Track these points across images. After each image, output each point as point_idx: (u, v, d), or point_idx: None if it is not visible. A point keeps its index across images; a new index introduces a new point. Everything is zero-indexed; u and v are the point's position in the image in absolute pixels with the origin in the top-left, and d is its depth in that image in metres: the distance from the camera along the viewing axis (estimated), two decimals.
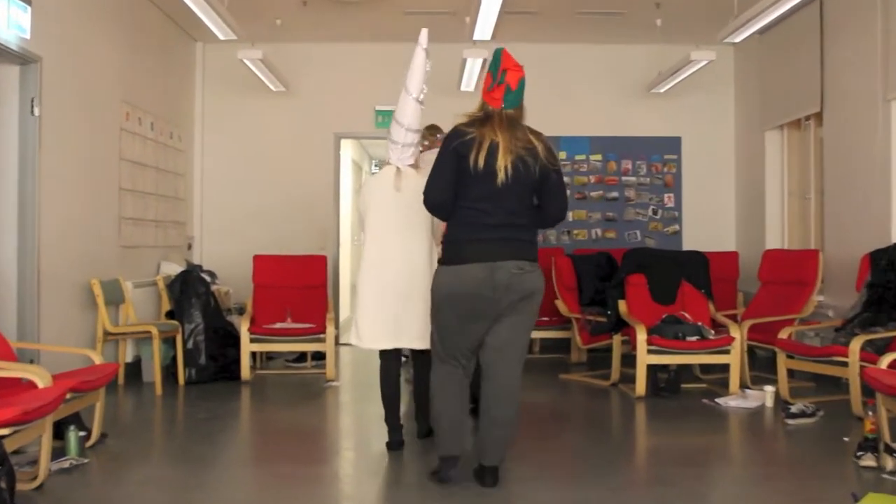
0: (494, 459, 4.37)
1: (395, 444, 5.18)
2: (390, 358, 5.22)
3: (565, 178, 9.83)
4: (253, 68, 8.73)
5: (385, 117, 10.04)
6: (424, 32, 5.10)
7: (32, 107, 6.15)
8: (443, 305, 4.33)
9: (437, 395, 4.45)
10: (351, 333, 5.37)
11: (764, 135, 9.26)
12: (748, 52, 9.56)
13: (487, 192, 4.22)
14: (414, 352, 5.24)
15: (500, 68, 4.37)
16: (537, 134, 4.40)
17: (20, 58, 6.01)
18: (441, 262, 4.40)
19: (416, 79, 5.11)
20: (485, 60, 8.22)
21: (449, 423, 4.41)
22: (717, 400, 6.67)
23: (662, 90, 9.59)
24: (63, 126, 6.62)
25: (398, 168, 5.11)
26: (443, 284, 4.32)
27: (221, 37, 7.93)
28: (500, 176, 4.19)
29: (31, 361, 5.86)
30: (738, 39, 7.88)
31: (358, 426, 6.35)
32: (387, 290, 5.00)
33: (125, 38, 7.87)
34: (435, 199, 4.32)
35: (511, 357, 4.34)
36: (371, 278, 5.05)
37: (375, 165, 17.34)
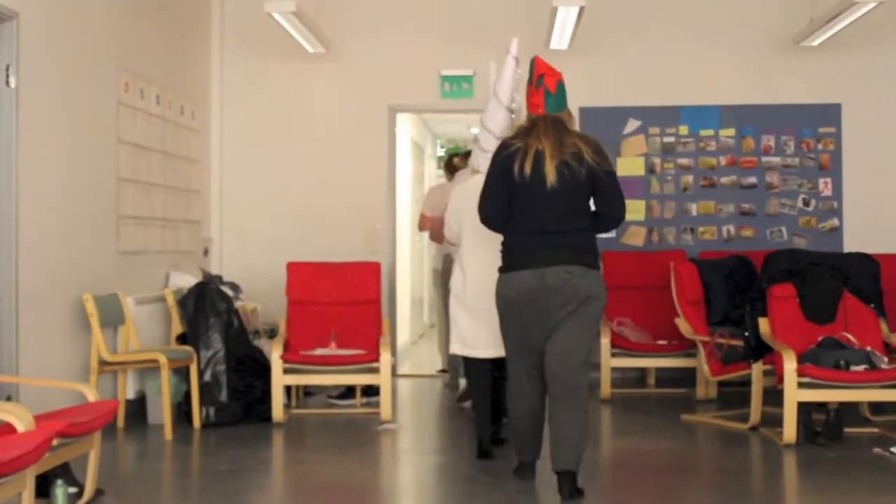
0: (567, 464, 5.35)
1: (485, 453, 6.42)
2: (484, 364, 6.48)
3: (687, 160, 9.86)
4: (285, 24, 8.77)
5: (453, 84, 10.04)
6: (515, 42, 6.45)
7: (7, 76, 6.23)
8: (503, 313, 5.58)
9: (510, 404, 5.72)
10: (452, 343, 6.60)
11: None
12: None
13: (538, 200, 5.37)
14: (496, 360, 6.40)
15: (535, 74, 5.57)
16: (585, 137, 5.48)
17: None
18: (500, 270, 5.57)
19: (507, 88, 6.45)
20: (581, 9, 8.15)
21: (526, 432, 5.71)
22: (893, 449, 6.52)
23: (816, 43, 9.40)
24: (46, 100, 6.71)
25: None
26: (500, 292, 5.55)
27: None
28: (549, 180, 5.30)
29: (9, 398, 5.94)
30: None
31: (421, 481, 6.34)
32: (485, 299, 5.94)
33: None
34: (488, 212, 5.57)
35: (572, 364, 5.40)
36: (473, 288, 6.29)
37: (441, 147, 17.37)
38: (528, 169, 5.33)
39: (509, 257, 5.51)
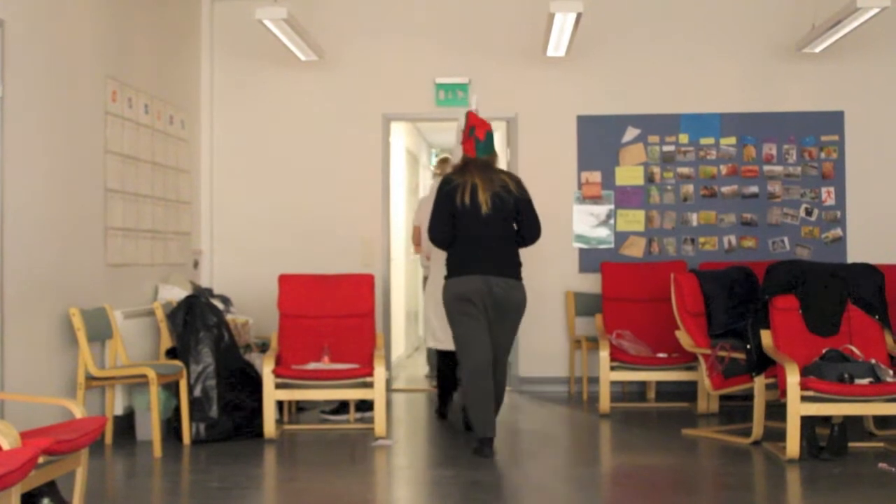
0: (491, 433, 7.01)
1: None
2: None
3: (687, 169, 9.85)
4: (276, 31, 8.77)
5: (448, 92, 10.04)
6: (475, 98, 8.30)
7: None
8: (452, 309, 7.08)
9: (468, 387, 7.08)
10: (428, 338, 8.51)
11: None
12: None
13: (476, 222, 7.00)
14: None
15: (468, 126, 7.25)
16: (509, 174, 7.37)
17: None
18: (446, 277, 7.16)
19: None
20: (579, 16, 8.16)
21: (480, 409, 6.99)
22: None
23: (818, 49, 9.41)
24: (32, 109, 6.71)
25: None
26: (450, 291, 7.08)
27: None
28: (484, 208, 6.97)
29: None
30: None
31: (417, 498, 6.33)
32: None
33: None
34: (437, 234, 7.16)
35: (502, 356, 7.22)
36: (439, 294, 7.51)
37: (436, 156, 17.39)
38: (467, 199, 6.98)
39: (458, 266, 7.07)
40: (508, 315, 7.10)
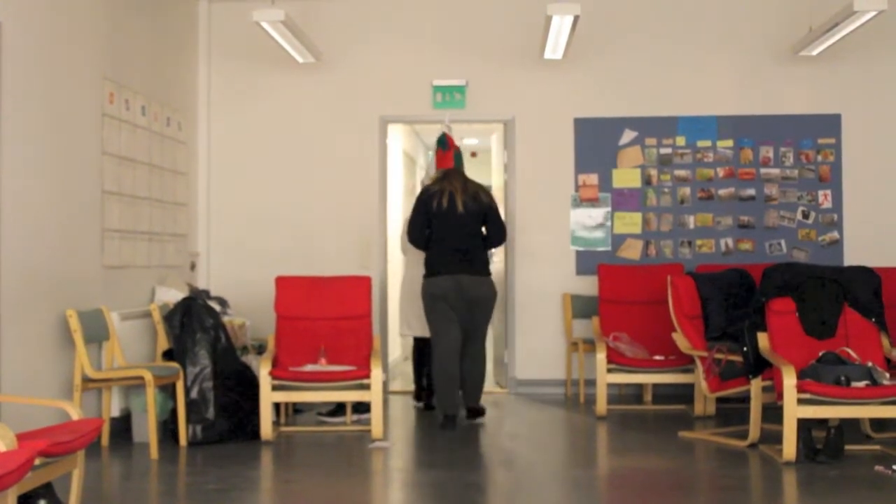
0: (475, 401, 8.42)
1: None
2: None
3: (684, 171, 9.84)
4: (273, 34, 8.78)
5: (445, 94, 10.05)
6: (448, 114, 9.50)
7: None
8: (429, 304, 8.27)
9: (436, 371, 8.24)
10: (403, 327, 9.38)
11: None
12: None
13: (451, 226, 8.22)
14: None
15: (447, 143, 8.65)
16: (480, 185, 8.50)
17: None
18: (424, 276, 8.34)
19: None
20: (576, 19, 8.16)
21: (446, 391, 8.21)
22: (895, 467, 6.51)
23: (815, 52, 9.42)
24: (28, 111, 6.71)
25: None
26: (427, 290, 8.28)
27: None
28: (459, 209, 8.20)
29: None
30: None
31: (413, 500, 6.30)
32: (418, 295, 8.64)
33: None
34: (414, 236, 8.42)
35: (477, 338, 8.36)
36: (415, 286, 8.87)
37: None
38: (445, 203, 8.20)
39: (433, 267, 8.25)
40: (478, 306, 8.24)
